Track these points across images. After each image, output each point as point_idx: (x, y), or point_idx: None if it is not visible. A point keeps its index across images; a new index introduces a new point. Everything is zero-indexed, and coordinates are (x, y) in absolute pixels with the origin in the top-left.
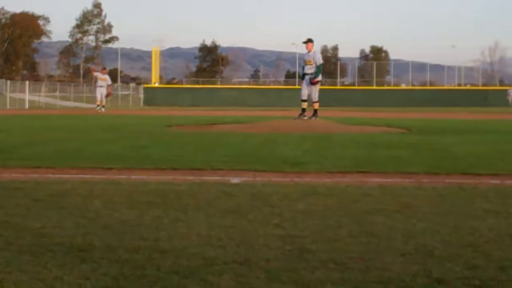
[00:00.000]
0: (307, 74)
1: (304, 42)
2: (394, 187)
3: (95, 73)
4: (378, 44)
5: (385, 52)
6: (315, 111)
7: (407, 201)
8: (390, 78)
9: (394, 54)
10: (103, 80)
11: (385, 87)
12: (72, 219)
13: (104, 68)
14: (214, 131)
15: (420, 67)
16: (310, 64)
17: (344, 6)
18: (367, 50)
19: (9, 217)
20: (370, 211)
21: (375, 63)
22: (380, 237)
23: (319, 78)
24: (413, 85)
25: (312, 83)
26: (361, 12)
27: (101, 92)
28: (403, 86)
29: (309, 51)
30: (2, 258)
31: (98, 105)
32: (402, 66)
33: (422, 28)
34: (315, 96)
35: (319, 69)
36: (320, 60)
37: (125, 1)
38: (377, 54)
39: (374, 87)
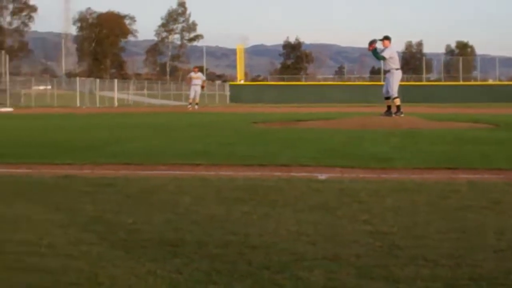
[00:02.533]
0: (386, 71)
1: (380, 40)
2: (483, 183)
3: (190, 74)
4: (464, 39)
5: (471, 47)
6: (397, 107)
7: (497, 197)
8: (476, 73)
9: (481, 49)
10: (197, 78)
11: (472, 83)
12: (162, 214)
13: (196, 67)
14: (300, 128)
15: (508, 62)
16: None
17: (428, 1)
18: (453, 45)
19: (101, 213)
20: (459, 207)
21: (461, 58)
22: (470, 233)
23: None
24: (500, 80)
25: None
26: (446, 7)
27: (195, 90)
28: (490, 82)
29: (385, 48)
30: (96, 253)
31: (190, 103)
32: (489, 61)
33: (509, 22)
34: (394, 92)
35: (376, 56)
36: (383, 53)
37: (209, 0)
38: (463, 49)
39: (461, 83)
